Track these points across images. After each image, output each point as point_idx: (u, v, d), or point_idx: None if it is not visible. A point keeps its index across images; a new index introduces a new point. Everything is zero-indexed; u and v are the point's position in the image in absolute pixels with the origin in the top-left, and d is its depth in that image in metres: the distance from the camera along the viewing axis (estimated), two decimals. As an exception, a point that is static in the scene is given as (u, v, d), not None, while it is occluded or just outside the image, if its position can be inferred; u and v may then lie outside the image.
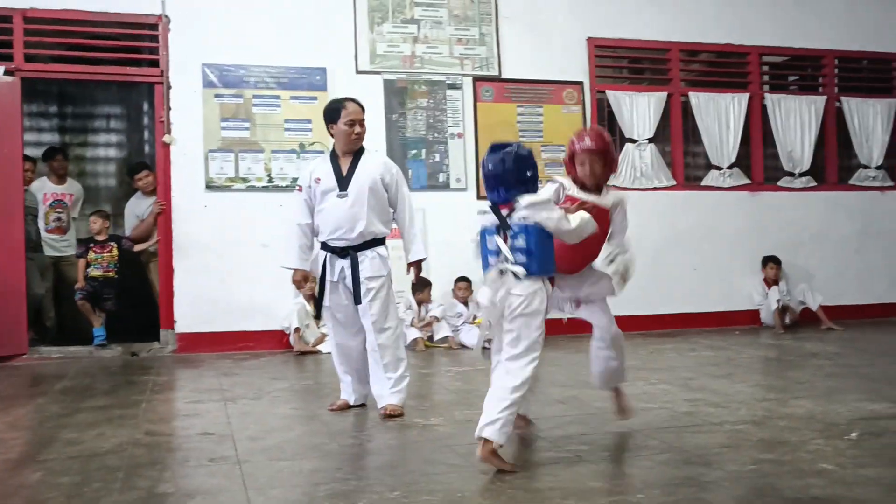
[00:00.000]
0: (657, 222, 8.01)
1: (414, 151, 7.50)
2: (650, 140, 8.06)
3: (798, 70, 9.04)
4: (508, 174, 3.26)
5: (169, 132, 7.00)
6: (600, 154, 3.67)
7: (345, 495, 2.90)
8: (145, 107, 8.76)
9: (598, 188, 3.72)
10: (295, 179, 7.11)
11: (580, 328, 4.01)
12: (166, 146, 7.01)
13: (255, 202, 7.15)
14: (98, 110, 9.14)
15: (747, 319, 8.19)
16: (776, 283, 8.04)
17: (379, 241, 4.39)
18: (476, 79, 7.68)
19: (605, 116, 8.11)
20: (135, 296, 7.37)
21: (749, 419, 3.99)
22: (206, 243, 7.02)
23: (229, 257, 7.05)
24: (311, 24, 7.33)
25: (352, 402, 4.49)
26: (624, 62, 8.50)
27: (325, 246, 4.41)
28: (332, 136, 4.46)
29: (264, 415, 4.41)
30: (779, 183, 8.53)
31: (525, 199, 3.19)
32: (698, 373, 5.47)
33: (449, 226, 7.56)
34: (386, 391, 4.32)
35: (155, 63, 7.07)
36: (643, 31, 8.13)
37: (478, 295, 3.31)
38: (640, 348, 6.75)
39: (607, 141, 3.74)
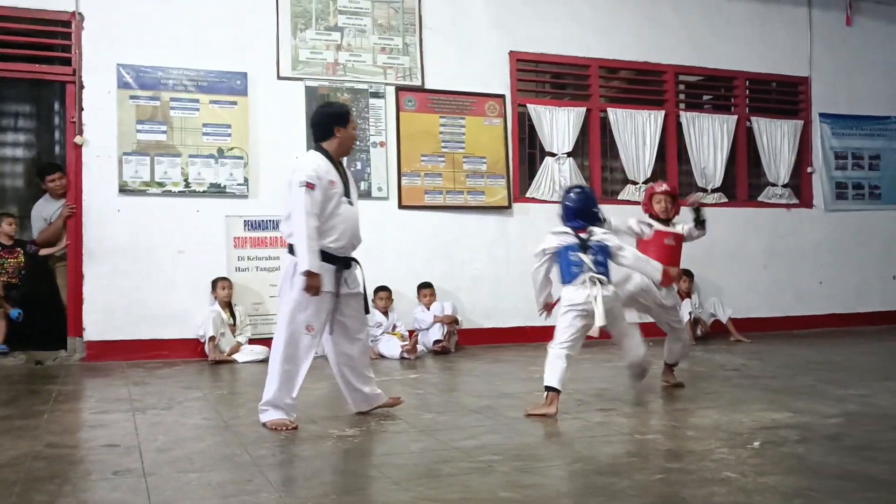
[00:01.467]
0: (575, 235, 8.17)
1: (335, 159, 7.43)
2: (569, 154, 8.21)
3: (712, 90, 9.35)
4: (585, 210, 4.65)
5: (80, 133, 6.78)
6: (671, 196, 5.36)
7: (254, 508, 2.84)
8: (56, 106, 8.47)
9: (669, 220, 5.33)
10: (214, 185, 7.06)
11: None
12: (77, 147, 6.79)
13: (171, 207, 6.99)
14: (6, 108, 8.79)
15: (660, 331, 8.35)
16: (689, 295, 8.27)
17: None
18: (399, 88, 7.69)
19: (526, 130, 8.22)
20: (41, 302, 7.09)
21: (658, 429, 4.09)
22: (118, 248, 6.82)
23: (143, 263, 6.87)
24: (233, 27, 7.22)
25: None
26: (545, 77, 8.64)
27: (329, 256, 4.15)
28: (329, 137, 4.30)
29: (174, 425, 4.29)
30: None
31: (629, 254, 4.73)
32: (613, 383, 5.58)
33: (370, 235, 7.51)
34: (375, 387, 4.53)
35: (67, 61, 6.85)
36: (564, 47, 8.28)
37: (569, 294, 4.52)
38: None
39: (675, 187, 5.62)
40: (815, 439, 3.83)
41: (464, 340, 7.60)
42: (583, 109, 8.34)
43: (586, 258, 4.51)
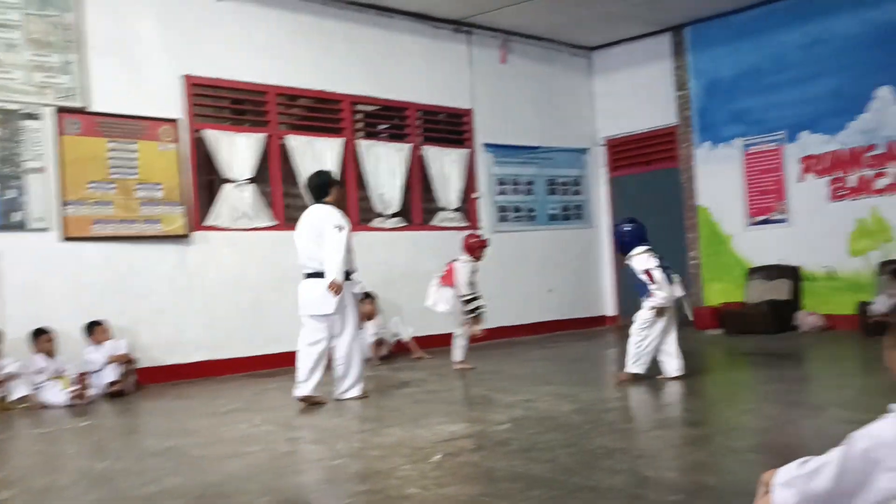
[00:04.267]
0: (258, 262, 8.08)
1: (-16, 187, 6.65)
2: (251, 180, 8.11)
3: (387, 119, 9.79)
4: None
5: None
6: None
7: None
8: None
9: None
10: None
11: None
12: None
13: None
14: None
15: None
16: (372, 317, 8.54)
17: None
18: (60, 110, 7.06)
19: (203, 156, 7.98)
20: None
21: (346, 452, 4.17)
22: None
23: None
24: None
25: None
26: (224, 102, 8.46)
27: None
28: (333, 192, 6.02)
29: None
30: (371, 224, 9.11)
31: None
32: (300, 410, 5.58)
33: (28, 270, 6.83)
34: None
35: None
36: (241, 73, 8.18)
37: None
38: (244, 389, 6.71)
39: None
40: (487, 446, 4.15)
41: (145, 379, 7.14)
42: (262, 135, 8.29)
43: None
